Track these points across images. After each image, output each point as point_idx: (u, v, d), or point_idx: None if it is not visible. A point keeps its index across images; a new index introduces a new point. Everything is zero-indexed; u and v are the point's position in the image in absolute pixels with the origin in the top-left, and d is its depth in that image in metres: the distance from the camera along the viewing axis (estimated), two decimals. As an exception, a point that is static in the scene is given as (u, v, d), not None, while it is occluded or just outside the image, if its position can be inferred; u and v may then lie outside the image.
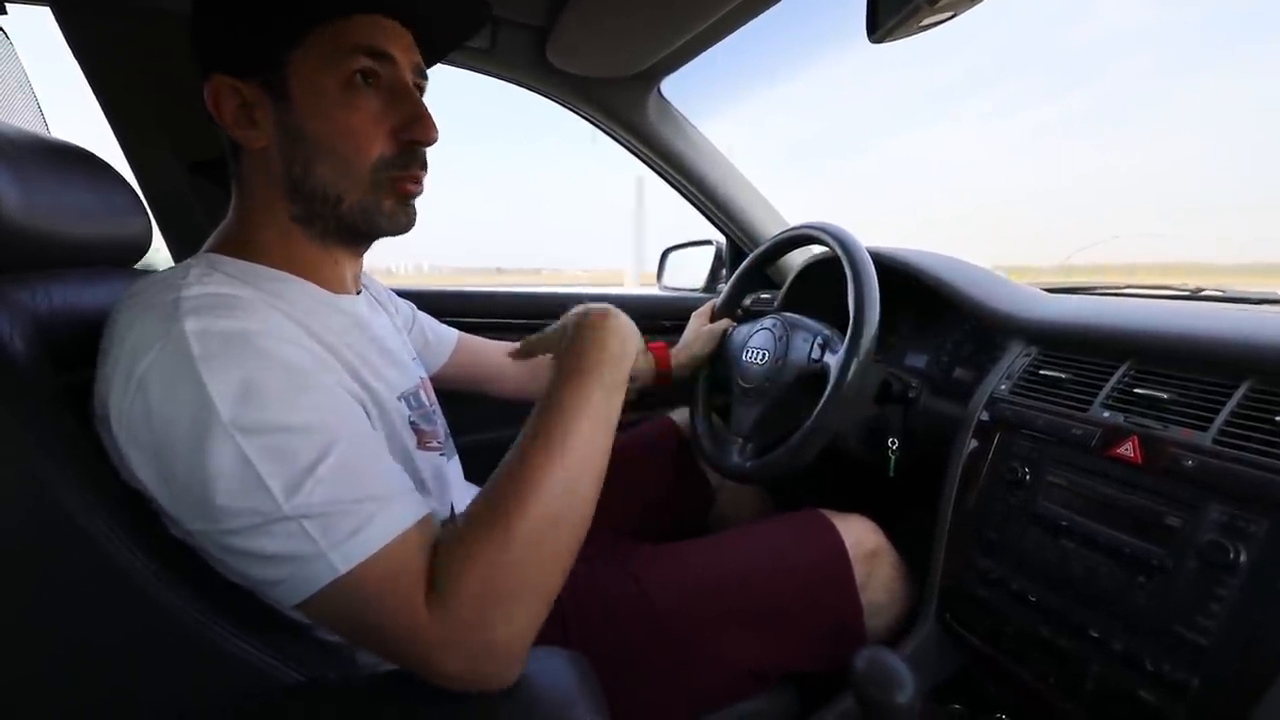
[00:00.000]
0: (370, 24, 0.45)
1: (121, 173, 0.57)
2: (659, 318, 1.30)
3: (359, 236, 0.51)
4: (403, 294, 0.81)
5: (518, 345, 0.70)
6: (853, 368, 0.66)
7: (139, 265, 0.63)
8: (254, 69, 0.45)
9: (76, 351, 0.46)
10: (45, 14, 0.79)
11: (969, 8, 0.50)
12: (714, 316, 0.96)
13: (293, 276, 0.48)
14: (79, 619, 0.38)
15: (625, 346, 0.48)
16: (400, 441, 0.50)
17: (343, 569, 0.35)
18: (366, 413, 0.45)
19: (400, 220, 0.50)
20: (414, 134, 0.47)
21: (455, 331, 0.86)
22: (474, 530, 0.38)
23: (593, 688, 0.42)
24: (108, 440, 0.39)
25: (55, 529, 0.37)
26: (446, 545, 0.38)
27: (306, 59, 0.44)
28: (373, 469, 0.39)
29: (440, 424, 0.62)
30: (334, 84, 0.44)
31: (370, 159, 0.46)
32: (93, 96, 0.86)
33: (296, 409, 0.37)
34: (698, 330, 0.94)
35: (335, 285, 0.51)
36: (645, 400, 1.23)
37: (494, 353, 0.88)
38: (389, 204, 0.48)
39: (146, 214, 0.60)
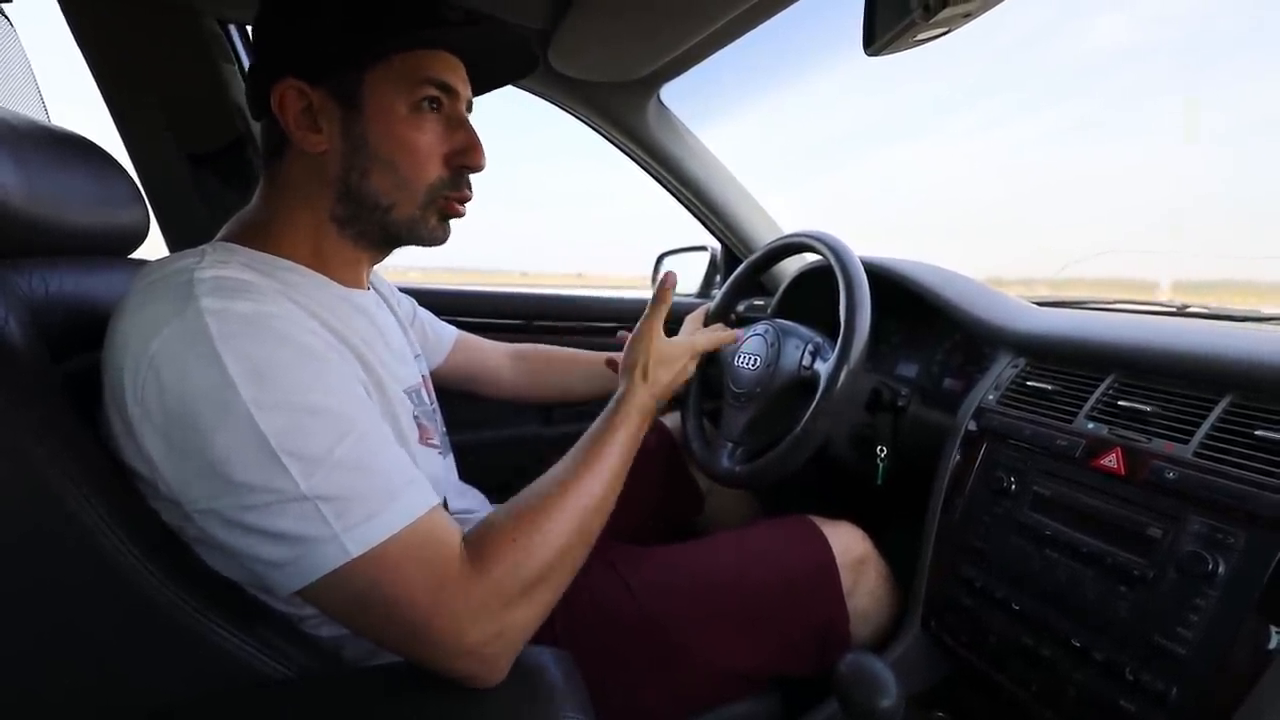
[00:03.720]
0: (441, 58, 0.49)
1: (121, 163, 0.57)
2: None
3: (394, 243, 0.54)
4: (403, 291, 0.81)
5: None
6: (842, 377, 0.67)
7: (133, 256, 0.63)
8: (329, 78, 0.46)
9: (73, 339, 0.46)
10: (49, 4, 0.79)
11: (963, 24, 0.51)
12: (708, 320, 0.97)
13: (309, 270, 0.49)
14: (70, 607, 0.38)
15: (656, 390, 0.64)
16: (403, 435, 0.51)
17: (355, 553, 0.36)
18: (371, 401, 0.46)
19: (439, 235, 0.53)
20: (467, 160, 0.51)
21: (454, 329, 0.87)
22: (519, 519, 0.43)
23: (578, 686, 0.42)
24: (117, 421, 0.39)
25: (50, 517, 0.37)
26: (490, 526, 0.42)
27: (383, 78, 0.47)
28: (386, 457, 0.40)
29: (439, 422, 0.62)
30: (405, 105, 0.48)
31: (427, 179, 0.50)
32: (94, 89, 0.87)
33: (314, 391, 0.38)
34: (692, 333, 0.94)
35: (349, 281, 0.53)
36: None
37: (491, 352, 0.89)
38: (434, 221, 0.52)
39: (144, 204, 0.60)
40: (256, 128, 0.62)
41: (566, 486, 0.47)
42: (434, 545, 0.39)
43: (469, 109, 0.54)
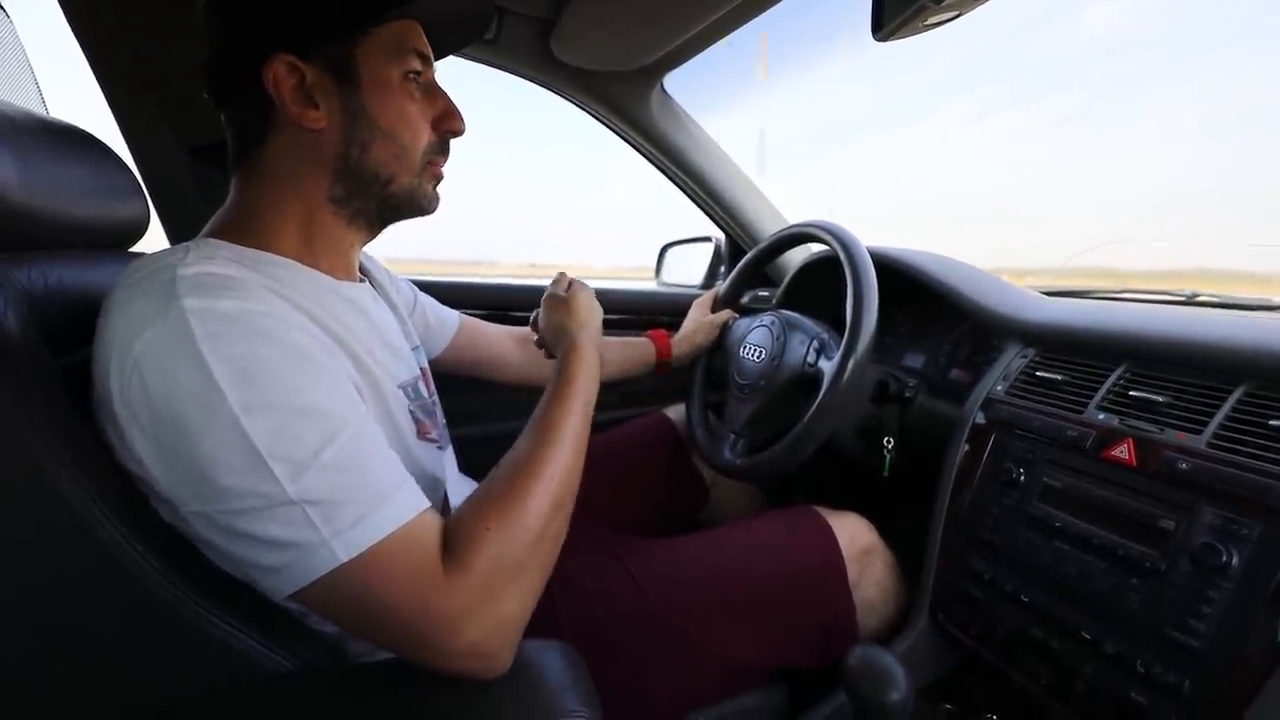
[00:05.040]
0: (415, 28, 0.50)
1: (120, 156, 0.57)
2: (656, 313, 1.30)
3: (392, 218, 0.54)
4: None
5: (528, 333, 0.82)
6: (846, 375, 0.66)
7: (133, 249, 0.63)
8: (319, 52, 0.46)
9: (72, 333, 0.46)
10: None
11: (974, 7, 0.50)
12: (717, 305, 0.96)
13: (296, 263, 0.48)
14: (71, 602, 0.38)
15: (592, 356, 0.58)
16: (400, 431, 0.50)
17: (344, 558, 0.35)
18: (363, 399, 0.45)
19: (436, 202, 0.54)
20: (450, 125, 0.52)
21: (457, 314, 0.85)
22: (490, 507, 0.41)
23: (584, 679, 0.42)
24: (107, 420, 0.39)
25: (48, 511, 0.36)
26: (462, 520, 0.41)
27: (373, 50, 0.47)
28: (376, 458, 0.39)
29: (438, 416, 0.62)
30: (396, 76, 0.48)
31: (421, 145, 0.50)
32: (93, 81, 0.86)
33: (301, 391, 0.37)
34: (699, 320, 0.94)
35: (340, 272, 0.52)
36: (642, 394, 1.24)
37: (496, 337, 0.88)
38: (429, 189, 0.53)
39: (144, 196, 0.60)
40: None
41: (532, 463, 0.45)
42: (421, 548, 0.38)
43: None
